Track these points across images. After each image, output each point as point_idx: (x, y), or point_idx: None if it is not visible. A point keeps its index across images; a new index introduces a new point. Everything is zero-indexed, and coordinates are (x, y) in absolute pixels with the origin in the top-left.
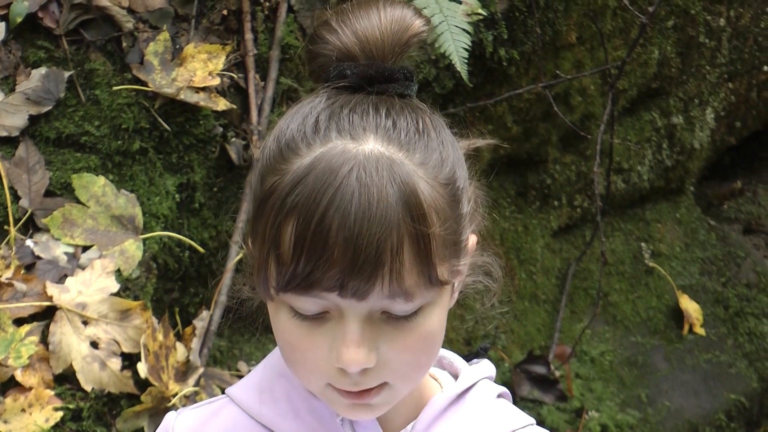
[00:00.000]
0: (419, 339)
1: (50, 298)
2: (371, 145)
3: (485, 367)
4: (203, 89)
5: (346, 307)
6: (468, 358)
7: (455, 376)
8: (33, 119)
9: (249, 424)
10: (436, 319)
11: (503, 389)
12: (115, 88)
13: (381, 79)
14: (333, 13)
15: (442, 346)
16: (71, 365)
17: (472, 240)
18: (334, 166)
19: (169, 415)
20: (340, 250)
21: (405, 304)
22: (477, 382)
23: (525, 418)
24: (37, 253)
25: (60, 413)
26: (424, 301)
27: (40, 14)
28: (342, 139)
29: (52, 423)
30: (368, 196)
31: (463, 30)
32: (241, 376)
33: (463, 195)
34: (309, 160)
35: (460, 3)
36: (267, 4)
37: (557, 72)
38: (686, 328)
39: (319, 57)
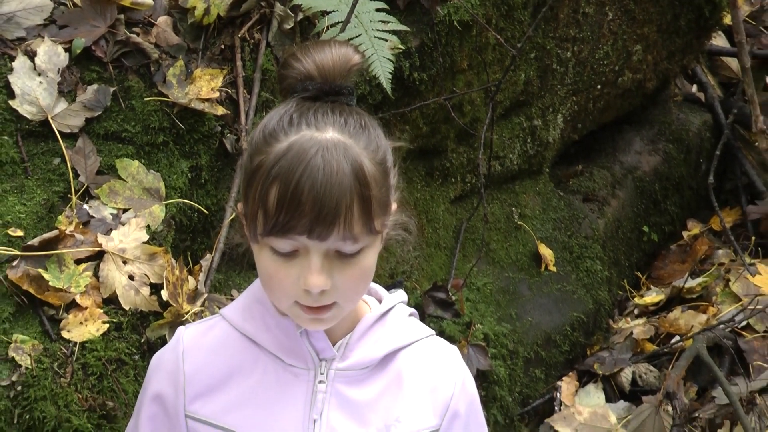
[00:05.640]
0: (360, 271)
1: (100, 245)
2: (330, 134)
3: (400, 295)
4: (207, 100)
5: (311, 246)
6: (388, 288)
7: (379, 301)
8: (88, 121)
9: (235, 335)
10: (371, 258)
11: (413, 310)
12: (145, 99)
13: (333, 92)
14: (298, 48)
15: (373, 279)
16: (115, 291)
17: (394, 206)
18: (306, 148)
19: (180, 329)
20: (309, 206)
21: (352, 245)
22: (395, 305)
23: (428, 331)
24: (91, 213)
25: (107, 325)
26: (365, 244)
27: (93, 47)
28: (309, 130)
29: (101, 332)
30: (329, 168)
31: (388, 59)
32: (233, 299)
33: (390, 171)
34: (287, 143)
35: (386, 41)
36: (252, 41)
37: (454, 89)
38: (543, 267)
39: (288, 78)
